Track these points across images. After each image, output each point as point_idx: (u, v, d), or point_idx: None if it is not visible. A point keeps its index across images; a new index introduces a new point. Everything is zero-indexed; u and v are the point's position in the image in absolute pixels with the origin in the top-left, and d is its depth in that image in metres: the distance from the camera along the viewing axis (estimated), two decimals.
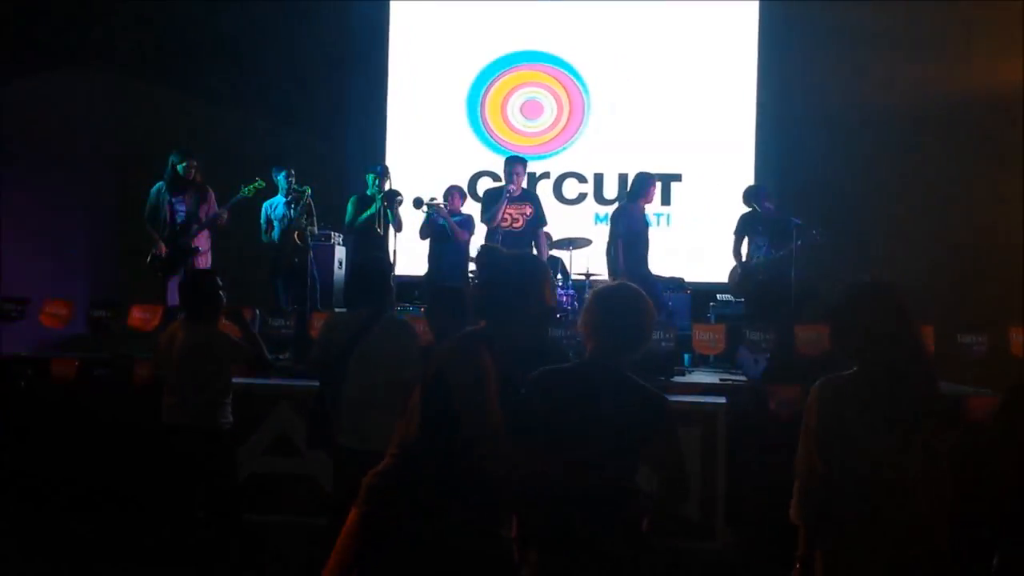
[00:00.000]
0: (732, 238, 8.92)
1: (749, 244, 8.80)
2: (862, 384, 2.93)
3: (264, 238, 9.07)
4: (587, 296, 3.29)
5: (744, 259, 8.79)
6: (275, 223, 9.01)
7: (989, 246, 9.28)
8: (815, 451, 2.97)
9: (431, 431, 2.89)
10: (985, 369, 7.00)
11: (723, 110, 11.15)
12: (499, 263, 3.10)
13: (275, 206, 9.07)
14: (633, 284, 3.23)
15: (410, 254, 9.60)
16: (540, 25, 11.48)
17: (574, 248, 9.74)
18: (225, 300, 5.37)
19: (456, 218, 9.07)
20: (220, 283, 5.39)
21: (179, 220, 8.59)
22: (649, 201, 8.92)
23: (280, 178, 9.06)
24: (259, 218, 9.12)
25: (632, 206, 8.77)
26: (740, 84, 11.15)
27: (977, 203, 9.52)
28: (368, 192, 9.18)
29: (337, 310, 8.26)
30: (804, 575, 3.01)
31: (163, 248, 8.47)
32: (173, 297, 8.08)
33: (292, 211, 8.90)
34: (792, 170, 10.43)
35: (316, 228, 9.09)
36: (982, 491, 3.36)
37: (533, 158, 10.60)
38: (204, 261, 8.64)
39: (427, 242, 9.19)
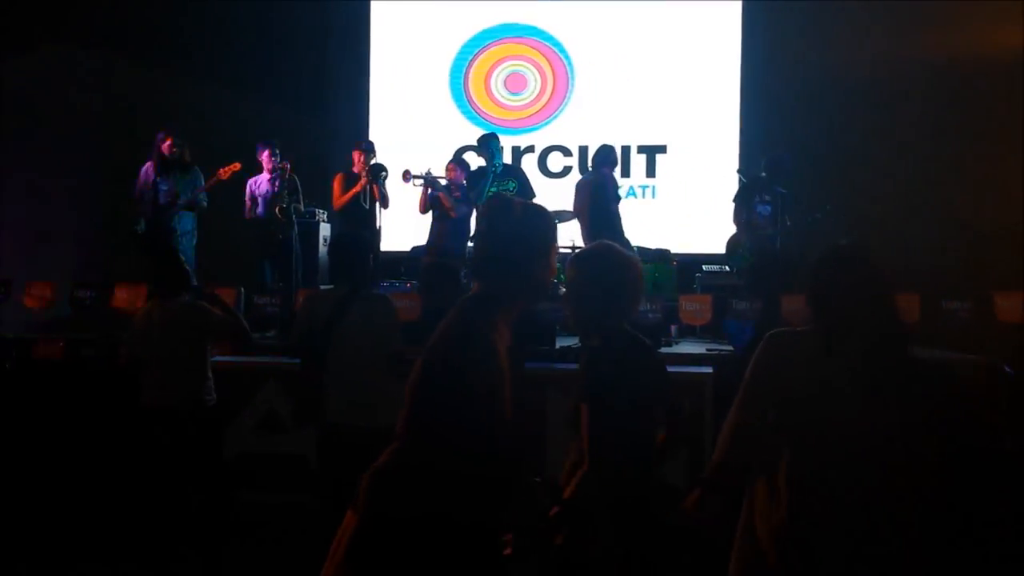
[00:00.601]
0: (726, 206, 8.83)
1: (751, 213, 8.68)
2: (825, 343, 2.93)
3: (248, 215, 9.01)
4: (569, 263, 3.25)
5: (747, 227, 8.64)
6: (259, 200, 8.96)
7: (975, 213, 9.31)
8: (747, 399, 3.01)
9: (432, 431, 2.56)
10: (971, 335, 7.03)
11: (708, 81, 11.13)
12: (509, 213, 2.73)
13: (259, 183, 9.01)
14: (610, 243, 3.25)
15: (397, 230, 9.57)
16: None
17: (559, 221, 9.72)
18: (193, 277, 5.37)
19: (458, 193, 8.92)
20: (183, 260, 5.41)
21: (160, 201, 8.54)
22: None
23: (263, 155, 9.00)
24: (243, 196, 9.07)
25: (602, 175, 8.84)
26: (724, 55, 11.12)
27: (962, 171, 9.53)
28: None
29: (322, 287, 8.24)
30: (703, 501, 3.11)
31: (143, 228, 8.44)
32: None
33: (275, 187, 8.85)
34: (777, 140, 10.40)
35: (302, 205, 9.04)
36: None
37: (518, 132, 10.61)
38: (189, 241, 8.61)
39: (427, 218, 9.11)
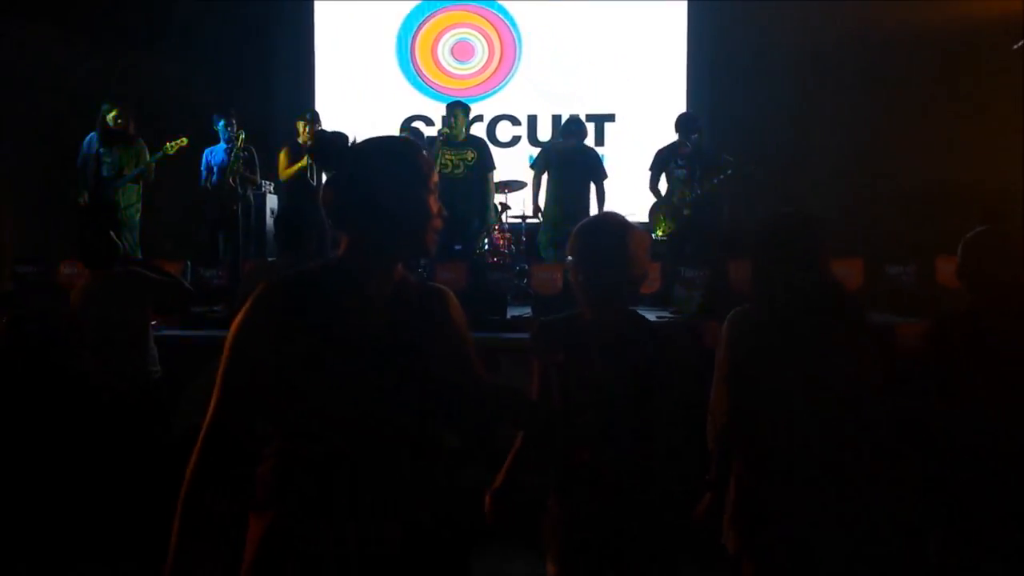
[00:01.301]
0: (649, 173, 8.81)
1: (668, 179, 8.67)
2: (775, 314, 2.98)
3: (204, 185, 8.89)
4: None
5: (664, 195, 8.63)
6: (214, 170, 8.84)
7: (917, 179, 9.45)
8: (723, 382, 3.03)
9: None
10: (913, 299, 7.16)
11: (656, 49, 11.14)
12: (349, 151, 2.26)
13: (215, 153, 8.90)
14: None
15: None
16: None
17: (509, 191, 9.72)
18: (121, 246, 5.30)
19: None
20: (110, 230, 5.34)
21: (104, 173, 8.41)
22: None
23: (220, 126, 8.88)
24: (199, 166, 8.94)
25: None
26: (671, 22, 11.13)
27: (904, 138, 9.66)
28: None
29: (268, 259, 8.18)
30: (714, 502, 3.06)
31: (86, 200, 8.31)
32: None
33: (229, 157, 8.74)
34: (723, 106, 10.48)
35: (258, 177, 8.95)
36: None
37: (467, 100, 10.52)
38: (133, 215, 8.49)
39: None
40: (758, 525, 2.96)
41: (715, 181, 8.17)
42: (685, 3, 11.15)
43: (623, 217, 3.07)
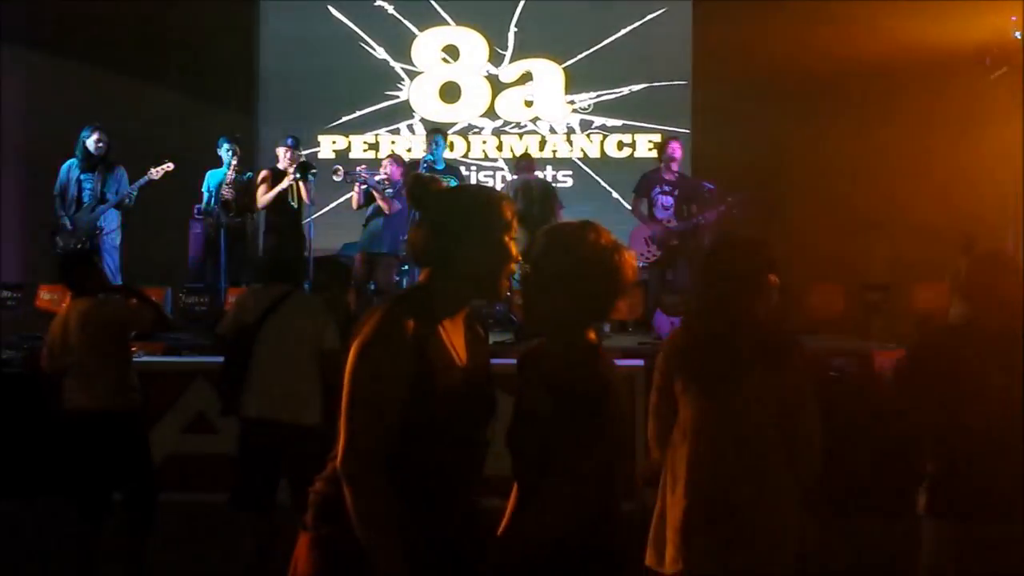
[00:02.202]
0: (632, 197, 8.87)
1: (651, 205, 8.69)
2: (696, 334, 3.15)
3: (202, 209, 8.83)
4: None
5: (650, 219, 8.65)
6: (214, 194, 8.80)
7: (897, 208, 9.53)
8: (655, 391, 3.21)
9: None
10: (890, 325, 7.21)
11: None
12: (433, 193, 2.43)
13: (216, 177, 8.84)
14: None
15: (325, 227, 9.51)
16: None
17: None
18: (118, 275, 5.31)
19: (391, 189, 8.83)
20: (97, 261, 5.36)
21: (86, 199, 8.39)
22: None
23: (223, 150, 8.82)
24: (185, 191, 8.90)
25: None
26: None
27: (881, 164, 9.76)
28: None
29: (254, 286, 8.16)
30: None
31: (67, 227, 8.27)
32: None
33: (228, 180, 8.70)
34: (705, 131, 10.54)
35: (254, 212, 8.92)
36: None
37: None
38: (113, 240, 8.45)
39: (358, 215, 9.04)
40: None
41: (705, 215, 8.24)
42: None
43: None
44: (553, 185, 9.45)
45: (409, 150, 10.78)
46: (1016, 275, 3.35)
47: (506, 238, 2.37)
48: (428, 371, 2.27)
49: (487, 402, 2.45)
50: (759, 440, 2.97)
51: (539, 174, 9.61)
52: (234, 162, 8.75)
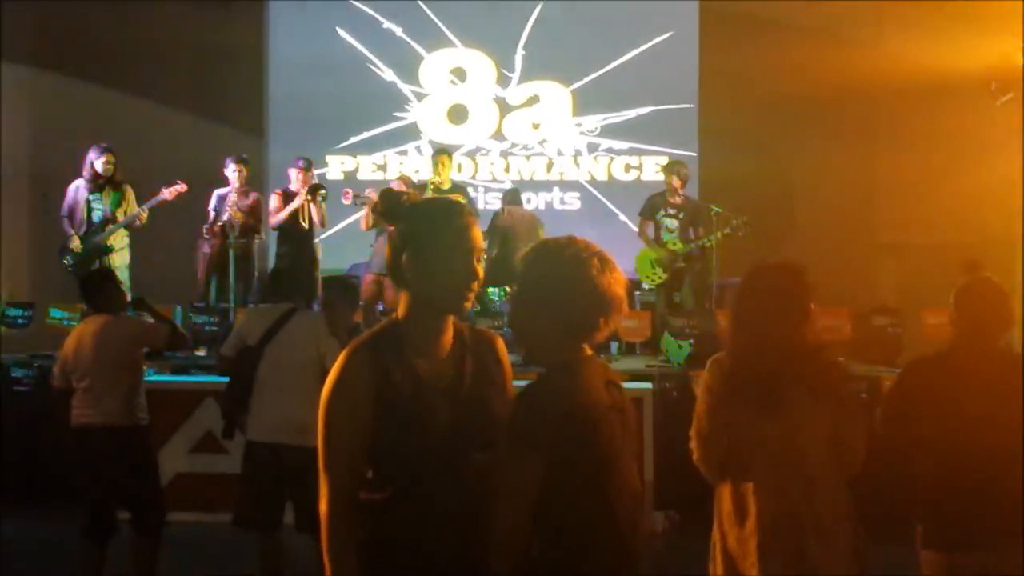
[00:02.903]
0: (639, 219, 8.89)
1: (656, 227, 8.73)
2: (747, 361, 3.09)
3: (209, 229, 8.86)
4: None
5: (655, 242, 8.68)
6: (221, 213, 8.83)
7: (906, 233, 9.56)
8: (704, 419, 3.14)
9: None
10: (900, 350, 7.21)
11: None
12: (403, 208, 2.42)
13: (223, 196, 8.87)
14: None
15: (335, 248, 9.53)
16: None
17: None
18: (128, 294, 5.34)
19: None
20: (118, 280, 5.40)
21: (95, 219, 8.42)
22: None
23: (230, 169, 8.85)
24: (207, 207, 8.93)
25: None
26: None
27: (889, 189, 9.79)
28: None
29: (260, 305, 8.18)
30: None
31: (77, 246, 8.31)
32: None
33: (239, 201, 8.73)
34: (712, 158, 10.58)
35: (263, 232, 8.95)
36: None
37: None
38: (120, 259, 8.48)
39: (367, 235, 9.04)
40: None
41: (715, 237, 8.25)
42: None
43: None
44: (539, 220, 9.40)
45: (417, 171, 10.80)
46: (1000, 302, 3.39)
47: (466, 251, 2.34)
48: (392, 398, 2.31)
49: (479, 420, 2.37)
50: (817, 464, 2.99)
51: (530, 199, 9.55)
52: (240, 182, 8.79)
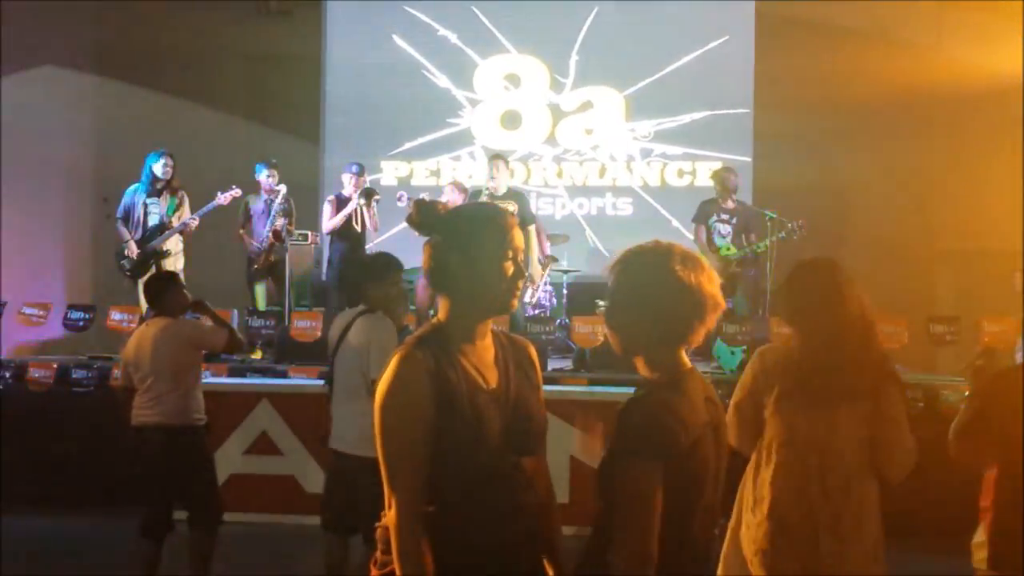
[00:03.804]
0: (693, 225, 8.84)
1: (709, 232, 8.69)
2: (799, 356, 3.13)
3: (241, 235, 9.00)
4: None
5: (708, 248, 8.60)
6: (252, 219, 8.96)
7: (965, 240, 9.41)
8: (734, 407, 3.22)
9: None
10: (957, 358, 7.10)
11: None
12: (438, 217, 2.47)
13: (255, 201, 9.00)
14: None
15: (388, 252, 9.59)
16: None
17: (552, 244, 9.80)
18: (190, 296, 5.42)
19: None
20: (183, 282, 5.49)
21: (151, 223, 8.56)
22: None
23: (261, 175, 8.96)
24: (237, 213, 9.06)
25: None
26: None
27: (953, 198, 9.63)
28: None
29: (345, 311, 8.25)
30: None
31: (133, 249, 8.45)
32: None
33: (269, 209, 8.85)
34: (767, 163, 10.49)
35: (294, 227, 9.06)
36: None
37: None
38: (175, 263, 8.62)
39: (423, 241, 9.04)
40: None
41: (767, 243, 8.19)
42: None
43: None
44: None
45: (470, 176, 10.84)
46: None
47: (506, 253, 2.37)
48: (450, 399, 2.29)
49: (525, 427, 2.40)
50: (845, 463, 3.01)
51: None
52: (271, 186, 8.89)
